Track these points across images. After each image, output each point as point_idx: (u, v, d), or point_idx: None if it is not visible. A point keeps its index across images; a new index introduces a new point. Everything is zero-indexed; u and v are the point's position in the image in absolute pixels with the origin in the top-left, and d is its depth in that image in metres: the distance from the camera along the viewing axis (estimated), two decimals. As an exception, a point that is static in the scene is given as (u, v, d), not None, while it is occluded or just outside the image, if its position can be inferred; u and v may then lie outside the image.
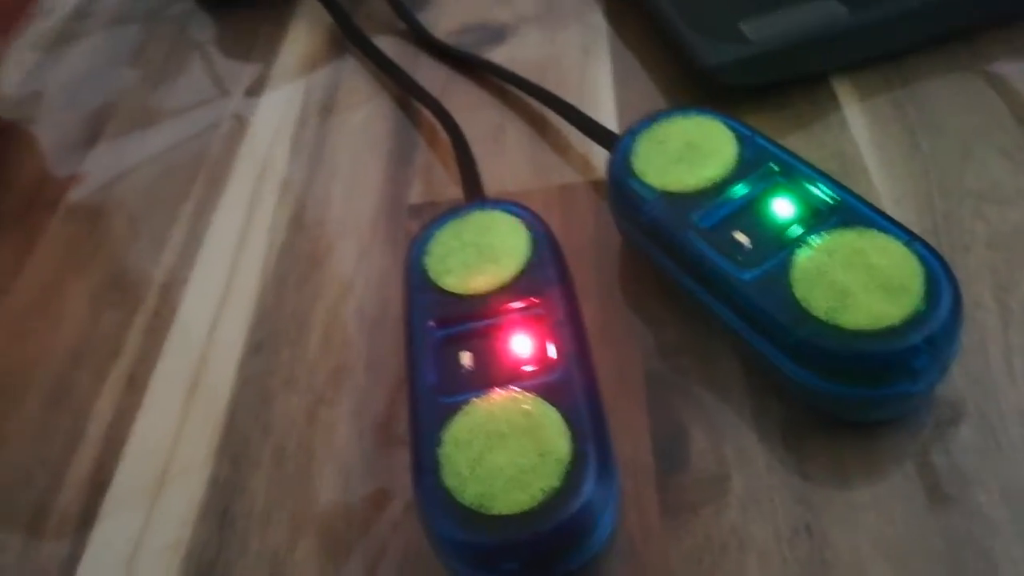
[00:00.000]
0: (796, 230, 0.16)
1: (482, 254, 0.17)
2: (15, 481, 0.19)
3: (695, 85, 0.24)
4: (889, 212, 0.17)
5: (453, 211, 0.18)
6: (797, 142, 0.22)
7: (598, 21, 0.28)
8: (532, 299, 0.16)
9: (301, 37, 0.31)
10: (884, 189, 0.21)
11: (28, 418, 0.20)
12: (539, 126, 0.25)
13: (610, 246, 0.21)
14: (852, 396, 0.15)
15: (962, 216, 0.20)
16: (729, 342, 0.18)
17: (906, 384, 0.14)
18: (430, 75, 0.27)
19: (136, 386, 0.20)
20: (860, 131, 0.22)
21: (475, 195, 0.21)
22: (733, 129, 0.18)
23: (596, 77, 0.26)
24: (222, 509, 0.17)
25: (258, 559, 0.16)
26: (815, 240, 0.16)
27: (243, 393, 0.20)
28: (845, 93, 0.23)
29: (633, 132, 0.19)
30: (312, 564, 0.16)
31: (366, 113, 0.27)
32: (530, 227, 0.18)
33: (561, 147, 0.24)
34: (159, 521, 0.18)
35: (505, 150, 0.24)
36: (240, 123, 0.28)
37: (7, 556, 0.18)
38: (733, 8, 0.24)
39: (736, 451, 0.16)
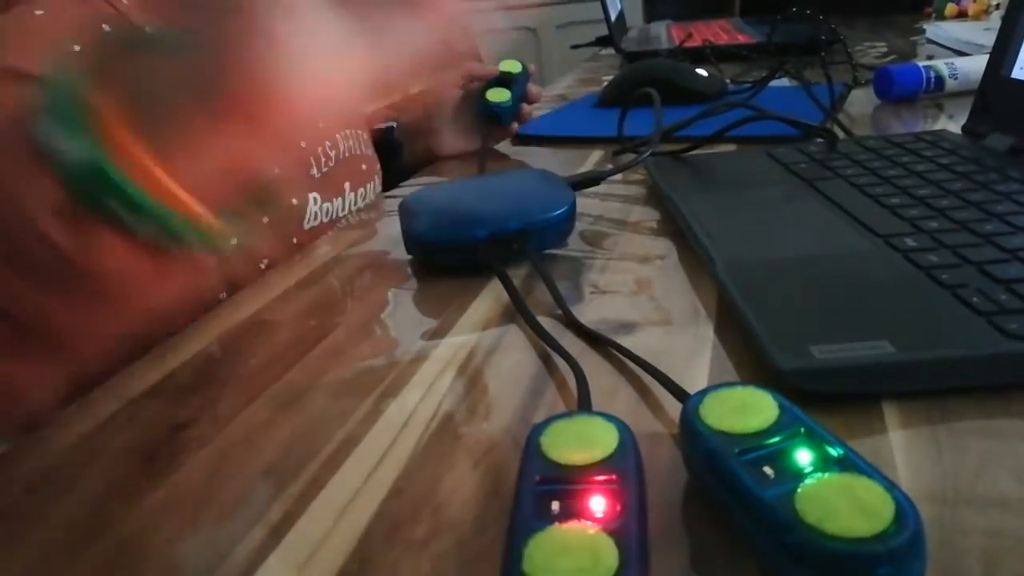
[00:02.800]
0: (808, 469, 0.22)
1: (581, 440, 0.24)
2: None
3: (772, 384, 0.31)
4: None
5: (568, 412, 0.26)
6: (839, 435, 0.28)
7: (706, 331, 0.37)
8: (611, 475, 0.23)
9: (484, 305, 0.42)
10: (906, 482, 0.26)
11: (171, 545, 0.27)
12: (643, 391, 0.32)
13: (676, 473, 0.27)
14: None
15: (967, 514, 0.24)
16: (748, 547, 0.23)
17: (873, 586, 0.19)
18: (571, 344, 0.36)
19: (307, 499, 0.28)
20: (897, 439, 0.28)
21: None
22: (778, 401, 0.25)
23: (697, 368, 0.34)
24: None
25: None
26: (819, 476, 0.21)
27: (378, 521, 0.26)
28: (891, 413, 0.29)
29: (705, 390, 0.26)
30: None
31: (517, 360, 0.36)
32: (619, 431, 0.25)
33: (656, 406, 0.31)
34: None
35: (614, 403, 0.32)
36: (425, 351, 0.38)
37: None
38: (807, 336, 0.32)
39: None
